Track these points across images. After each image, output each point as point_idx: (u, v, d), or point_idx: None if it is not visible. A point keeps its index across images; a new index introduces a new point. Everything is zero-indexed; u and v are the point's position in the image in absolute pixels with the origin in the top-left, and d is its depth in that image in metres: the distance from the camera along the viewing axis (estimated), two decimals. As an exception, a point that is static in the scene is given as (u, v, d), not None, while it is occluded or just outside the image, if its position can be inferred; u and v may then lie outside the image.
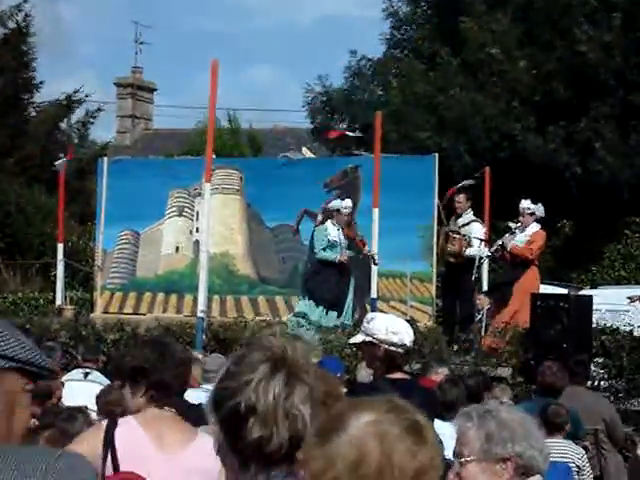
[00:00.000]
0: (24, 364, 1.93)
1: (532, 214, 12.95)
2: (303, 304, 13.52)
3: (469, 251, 12.97)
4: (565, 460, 6.77)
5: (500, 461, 3.12)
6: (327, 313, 13.08)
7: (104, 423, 3.90)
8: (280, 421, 2.18)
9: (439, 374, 8.16)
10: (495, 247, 13.19)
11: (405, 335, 4.95)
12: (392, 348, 4.93)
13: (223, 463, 2.27)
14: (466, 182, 14.86)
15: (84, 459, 1.95)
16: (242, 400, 2.18)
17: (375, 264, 12.92)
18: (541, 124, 20.29)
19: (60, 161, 17.26)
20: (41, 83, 27.16)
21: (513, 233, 13.04)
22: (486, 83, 20.99)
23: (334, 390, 3.20)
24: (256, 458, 2.19)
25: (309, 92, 24.68)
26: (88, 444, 3.75)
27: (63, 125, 28.26)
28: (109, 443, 3.75)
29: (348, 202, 13.64)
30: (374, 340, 5.00)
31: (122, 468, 3.70)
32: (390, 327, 4.98)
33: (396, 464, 1.90)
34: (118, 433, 3.76)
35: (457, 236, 13.04)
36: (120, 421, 3.84)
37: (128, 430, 3.76)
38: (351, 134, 14.18)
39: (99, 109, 28.77)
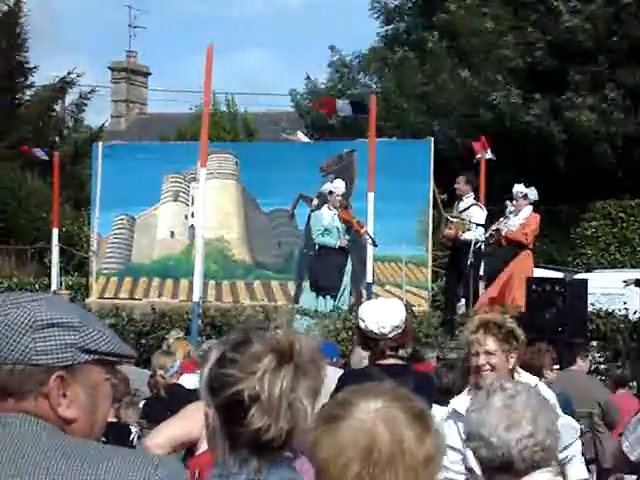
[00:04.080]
0: (106, 355, 1.93)
1: (525, 197, 12.97)
2: (309, 295, 13.47)
3: (466, 235, 12.94)
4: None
5: None
6: (324, 298, 13.08)
7: None
8: (282, 413, 2.20)
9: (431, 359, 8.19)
10: (490, 232, 13.19)
11: (372, 322, 4.88)
12: (367, 333, 4.93)
13: (212, 444, 2.29)
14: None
15: (181, 466, 1.94)
16: (245, 389, 2.19)
17: (375, 245, 12.92)
18: (525, 94, 20.39)
19: (40, 153, 17.18)
20: (35, 67, 27.09)
21: (507, 217, 13.04)
22: (473, 62, 21.06)
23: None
24: (250, 445, 2.21)
25: (295, 94, 24.89)
26: (192, 419, 3.88)
27: (57, 108, 28.18)
28: None
29: (339, 182, 13.63)
30: (357, 324, 5.07)
31: None
32: (365, 312, 4.99)
33: (406, 450, 1.92)
34: None
35: (455, 220, 13.01)
36: None
37: None
38: (341, 114, 14.17)
39: (92, 90, 28.72)
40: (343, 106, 14.20)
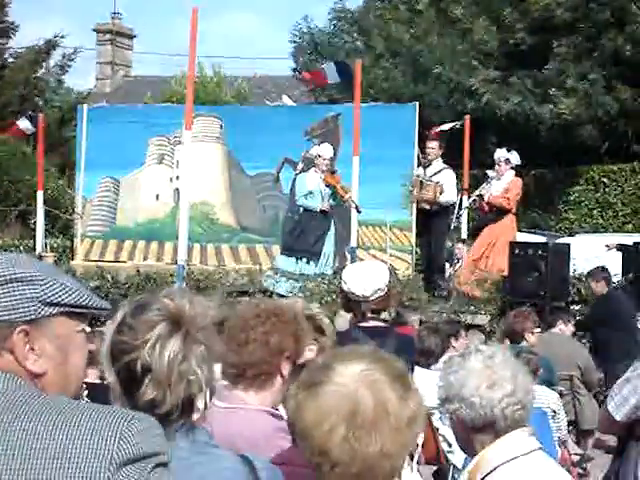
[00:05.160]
0: (71, 307, 1.92)
1: (507, 162, 13.00)
2: (281, 257, 13.50)
3: (442, 197, 12.99)
4: (540, 405, 6.86)
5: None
6: (307, 262, 13.09)
7: None
8: (174, 384, 2.16)
9: (413, 322, 8.26)
10: (473, 198, 13.23)
11: (354, 284, 4.87)
12: (348, 295, 4.93)
13: None
14: (448, 125, 14.90)
15: (155, 422, 1.90)
16: (138, 359, 2.16)
17: (359, 212, 12.93)
18: (504, 74, 20.32)
19: (25, 124, 17.05)
20: (16, 26, 26.72)
21: (489, 183, 13.06)
22: (462, 32, 20.99)
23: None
24: (151, 415, 2.15)
25: (296, 31, 24.68)
26: None
27: (41, 71, 27.89)
28: None
29: (326, 146, 13.63)
30: (340, 286, 5.08)
31: None
32: (347, 274, 5.01)
33: (391, 411, 1.94)
34: None
35: (430, 183, 13.04)
36: None
37: None
38: (331, 81, 14.15)
39: (76, 51, 28.37)
40: (330, 71, 14.14)
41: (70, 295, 1.91)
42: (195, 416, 2.25)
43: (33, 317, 1.87)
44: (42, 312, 1.88)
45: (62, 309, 1.91)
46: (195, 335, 2.20)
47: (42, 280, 1.89)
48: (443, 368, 3.14)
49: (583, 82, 19.44)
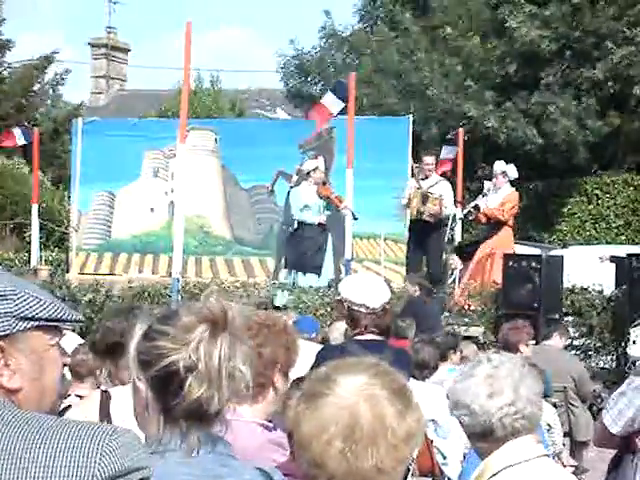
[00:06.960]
0: (46, 321, 1.88)
1: (505, 175, 13.06)
2: (284, 272, 13.53)
3: (445, 211, 13.10)
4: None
5: None
6: (305, 275, 13.13)
7: (95, 394, 3.87)
8: (224, 383, 2.18)
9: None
10: (468, 209, 13.30)
11: (365, 295, 4.86)
12: (354, 307, 4.92)
13: (142, 420, 2.26)
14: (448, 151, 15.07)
15: (137, 437, 1.85)
16: (180, 360, 2.16)
17: (355, 219, 12.97)
18: (497, 101, 20.41)
19: (19, 134, 17.07)
20: (12, 43, 26.80)
21: (486, 195, 13.14)
22: (446, 50, 21.05)
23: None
24: (188, 417, 2.18)
25: (281, 56, 24.71)
26: (83, 414, 3.68)
27: (38, 86, 27.97)
28: (105, 414, 3.70)
29: (321, 159, 13.72)
30: (341, 298, 5.04)
31: None
32: (352, 286, 4.99)
33: (388, 427, 1.94)
34: (113, 404, 3.70)
35: (435, 196, 13.12)
36: (113, 392, 3.77)
37: (123, 400, 3.56)
38: (335, 111, 14.31)
39: (67, 70, 28.50)
40: (330, 101, 14.21)
41: (45, 309, 1.88)
42: (217, 427, 2.26)
43: (8, 332, 1.83)
44: (17, 327, 1.84)
45: (37, 323, 1.87)
46: (239, 335, 2.23)
47: (16, 294, 1.85)
48: (456, 376, 3.20)
49: (576, 104, 19.59)
